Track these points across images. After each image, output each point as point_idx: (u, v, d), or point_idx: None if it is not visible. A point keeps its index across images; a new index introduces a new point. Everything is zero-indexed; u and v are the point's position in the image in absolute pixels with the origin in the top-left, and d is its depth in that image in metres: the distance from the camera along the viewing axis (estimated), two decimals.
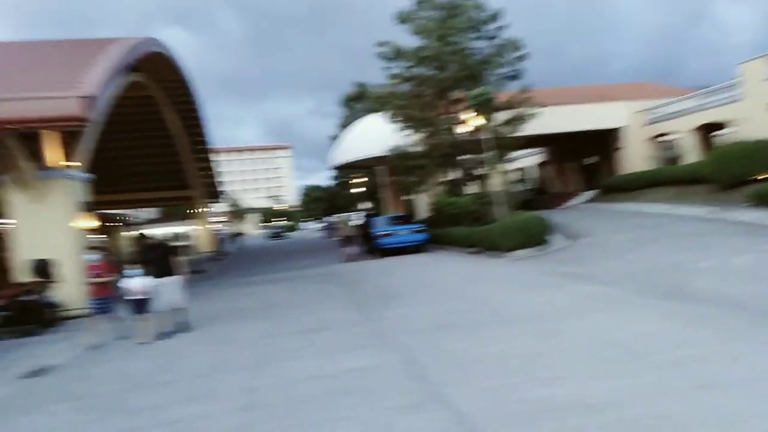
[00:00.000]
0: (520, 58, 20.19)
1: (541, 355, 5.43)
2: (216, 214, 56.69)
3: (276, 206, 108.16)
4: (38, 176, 11.97)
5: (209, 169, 37.25)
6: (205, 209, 40.68)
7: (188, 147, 31.97)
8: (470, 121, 18.49)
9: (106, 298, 8.83)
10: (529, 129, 21.12)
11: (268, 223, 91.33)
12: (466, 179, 22.24)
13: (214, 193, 41.42)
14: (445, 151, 20.71)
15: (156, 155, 30.72)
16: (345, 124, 46.97)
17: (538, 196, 34.51)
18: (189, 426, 4.64)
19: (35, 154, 11.99)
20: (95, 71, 12.21)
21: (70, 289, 11.71)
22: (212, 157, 36.57)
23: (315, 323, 8.72)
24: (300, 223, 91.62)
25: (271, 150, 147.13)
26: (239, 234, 56.61)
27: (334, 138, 48.12)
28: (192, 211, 40.82)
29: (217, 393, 5.55)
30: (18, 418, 5.54)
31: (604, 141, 28.72)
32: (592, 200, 27.87)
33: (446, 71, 20.34)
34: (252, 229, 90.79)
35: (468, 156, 21.36)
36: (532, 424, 3.80)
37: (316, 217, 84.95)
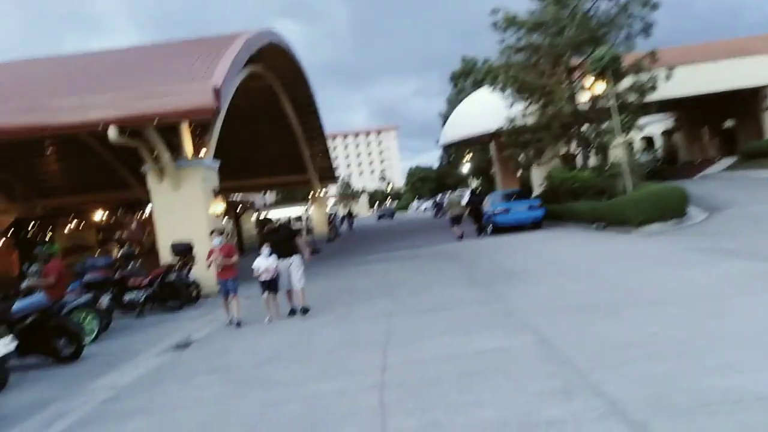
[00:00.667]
0: (651, 11, 18.35)
1: (702, 340, 4.85)
2: (329, 197, 58.74)
3: (384, 187, 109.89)
4: (175, 165, 12.93)
5: (323, 153, 38.55)
6: (319, 192, 42.31)
7: (303, 133, 33.15)
8: (592, 88, 17.25)
9: (230, 279, 9.09)
10: (657, 93, 19.32)
11: (378, 204, 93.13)
12: (586, 151, 20.91)
13: (328, 176, 42.93)
14: (564, 122, 19.55)
15: (274, 142, 32.17)
16: (452, 101, 46.25)
17: (667, 166, 31.78)
18: (325, 402, 4.69)
19: (172, 145, 12.95)
20: (222, 64, 12.89)
21: (205, 269, 12.59)
22: (325, 141, 37.74)
23: (437, 302, 8.61)
24: (409, 203, 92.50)
25: (379, 133, 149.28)
26: (351, 215, 58.08)
27: (442, 117, 47.63)
28: (308, 194, 42.68)
29: (347, 370, 5.61)
30: (173, 387, 5.97)
31: (745, 101, 25.65)
32: (731, 168, 25.12)
33: (564, 36, 19.10)
34: (362, 211, 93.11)
35: (589, 126, 20.03)
36: (703, 418, 3.35)
37: (424, 197, 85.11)
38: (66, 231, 22.66)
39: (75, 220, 23.35)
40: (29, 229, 22.19)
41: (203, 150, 14.22)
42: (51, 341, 7.62)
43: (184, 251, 11.39)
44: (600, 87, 16.83)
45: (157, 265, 13.33)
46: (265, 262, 8.93)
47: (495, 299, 8.14)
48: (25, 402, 6.08)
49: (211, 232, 9.65)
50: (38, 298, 8.15)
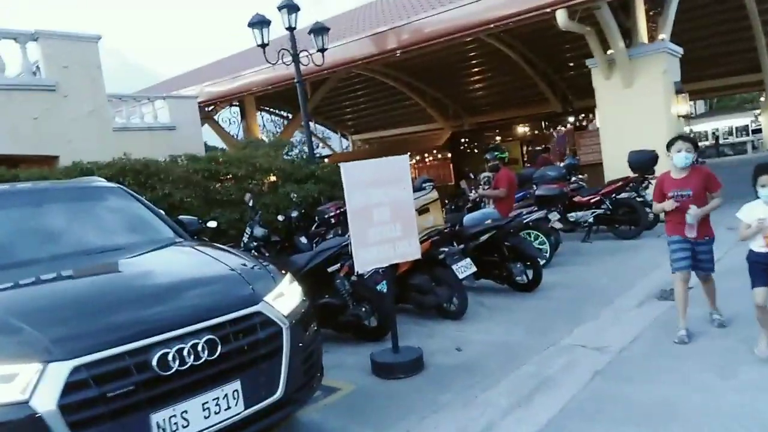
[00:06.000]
0: None
1: None
2: None
3: None
4: (627, 55, 10.22)
5: None
6: None
7: (760, 21, 25.09)
8: None
9: (704, 241, 4.41)
10: None
11: None
12: None
13: None
14: None
15: (722, 34, 25.46)
16: None
17: None
18: None
19: (624, 29, 10.24)
20: None
21: None
22: None
23: None
24: None
25: None
26: None
27: None
28: (751, 100, 33.58)
29: None
30: (694, 369, 3.66)
31: None
32: None
33: None
34: None
35: None
36: None
37: None
38: (491, 144, 23.02)
39: (499, 135, 23.56)
40: (461, 142, 23.49)
41: (660, 36, 11.00)
42: (505, 264, 6.39)
43: (646, 163, 8.83)
44: None
45: (596, 181, 11.30)
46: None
47: None
48: (487, 343, 4.83)
49: (671, 143, 4.48)
50: (490, 212, 7.05)
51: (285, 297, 3.19)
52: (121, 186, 4.51)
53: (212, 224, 7.63)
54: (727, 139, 37.44)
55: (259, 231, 6.28)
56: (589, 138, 17.00)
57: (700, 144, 35.03)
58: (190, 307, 2.72)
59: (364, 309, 5.17)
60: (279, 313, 3.01)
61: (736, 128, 37.96)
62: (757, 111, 34.52)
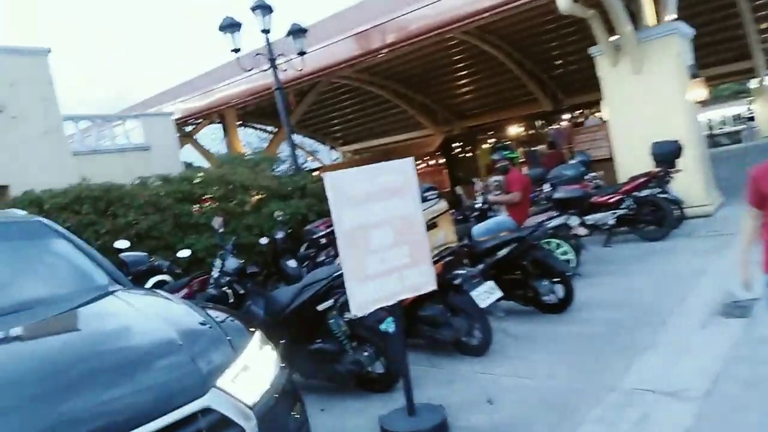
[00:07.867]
0: None
1: None
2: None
3: None
4: (636, 39, 9.30)
5: None
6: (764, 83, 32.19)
7: (750, 6, 24.50)
8: None
9: None
10: None
11: None
12: None
13: None
14: None
15: (715, 22, 24.82)
16: None
17: None
18: None
19: (629, 11, 9.33)
20: None
21: (689, 181, 8.93)
22: None
23: None
24: None
25: None
26: None
27: None
28: (749, 88, 32.92)
29: None
30: None
31: None
32: None
33: None
34: None
35: None
36: None
37: None
38: (485, 147, 22.19)
39: (493, 137, 22.74)
40: (454, 147, 22.71)
41: (668, 17, 10.12)
42: (529, 283, 5.37)
43: (670, 154, 7.89)
44: None
45: (607, 178, 10.40)
46: None
47: None
48: (524, 390, 3.81)
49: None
50: (504, 220, 6.06)
51: (251, 372, 2.16)
52: (41, 219, 3.47)
53: (184, 253, 6.61)
54: (721, 128, 36.85)
55: (232, 263, 5.21)
56: (589, 133, 16.21)
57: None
58: (88, 419, 1.68)
59: (366, 353, 4.14)
60: (240, 402, 1.99)
61: (731, 117, 37.56)
62: (749, 99, 34.00)
